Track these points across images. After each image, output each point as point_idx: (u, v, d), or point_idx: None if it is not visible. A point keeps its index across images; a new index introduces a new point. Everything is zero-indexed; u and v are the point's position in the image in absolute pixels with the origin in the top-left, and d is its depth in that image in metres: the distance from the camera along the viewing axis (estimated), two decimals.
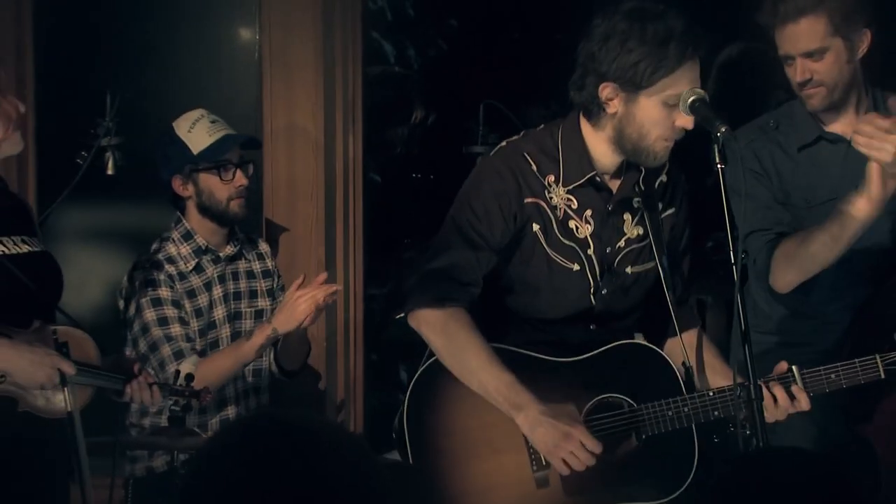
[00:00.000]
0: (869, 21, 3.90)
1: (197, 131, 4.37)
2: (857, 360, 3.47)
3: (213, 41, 4.90)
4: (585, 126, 3.47)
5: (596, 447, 3.32)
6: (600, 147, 3.47)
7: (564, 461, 3.34)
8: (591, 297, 3.51)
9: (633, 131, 3.40)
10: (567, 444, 3.31)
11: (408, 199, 6.31)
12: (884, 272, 4.04)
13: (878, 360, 3.48)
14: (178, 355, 4.25)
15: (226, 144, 4.36)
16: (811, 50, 3.86)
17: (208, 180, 4.37)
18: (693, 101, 3.34)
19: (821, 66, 3.88)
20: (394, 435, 3.55)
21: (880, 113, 3.91)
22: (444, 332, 3.43)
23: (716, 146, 3.27)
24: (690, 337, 3.60)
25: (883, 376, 3.46)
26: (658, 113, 3.36)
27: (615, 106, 3.40)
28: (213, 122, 4.39)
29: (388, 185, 6.67)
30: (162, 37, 4.86)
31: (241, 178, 4.38)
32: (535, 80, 5.60)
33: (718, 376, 3.54)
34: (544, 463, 3.43)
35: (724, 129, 3.26)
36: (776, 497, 2.03)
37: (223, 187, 4.37)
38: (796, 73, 3.91)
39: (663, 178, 3.59)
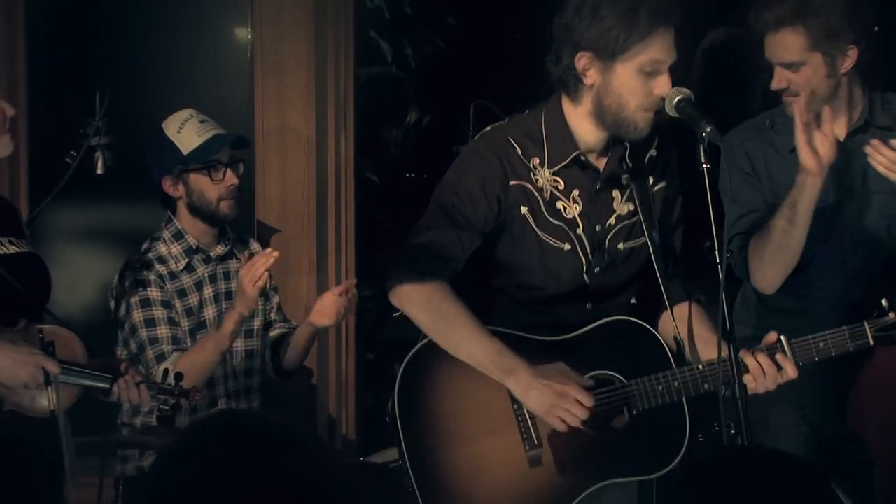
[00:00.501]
0: (856, 38, 3.85)
1: (186, 131, 4.36)
2: (845, 327, 3.46)
3: (205, 41, 4.91)
4: (567, 106, 3.48)
5: (589, 400, 3.33)
6: (583, 124, 3.47)
7: (562, 420, 3.35)
8: (585, 275, 3.52)
9: (611, 101, 3.40)
10: (562, 402, 3.33)
11: (403, 200, 6.30)
12: (879, 273, 4.03)
13: (867, 327, 3.46)
14: (160, 359, 4.25)
15: (215, 144, 4.36)
16: (788, 62, 3.86)
17: (198, 181, 4.37)
18: (679, 100, 3.35)
19: (797, 77, 3.87)
20: (387, 420, 3.55)
21: (875, 121, 3.97)
22: (428, 307, 3.44)
23: (701, 146, 3.26)
24: (682, 310, 3.60)
25: (872, 343, 3.45)
26: (634, 81, 3.36)
27: (592, 76, 3.40)
28: (202, 121, 4.39)
29: (385, 186, 6.67)
30: (154, 36, 4.86)
31: (231, 178, 4.38)
32: (534, 79, 5.59)
33: (710, 348, 3.48)
34: (536, 442, 3.45)
35: (709, 129, 3.27)
36: (746, 497, 2.03)
37: (213, 187, 4.37)
38: (774, 79, 3.91)
39: (653, 151, 3.58)
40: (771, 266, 3.89)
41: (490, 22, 6.47)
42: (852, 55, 3.86)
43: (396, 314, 3.61)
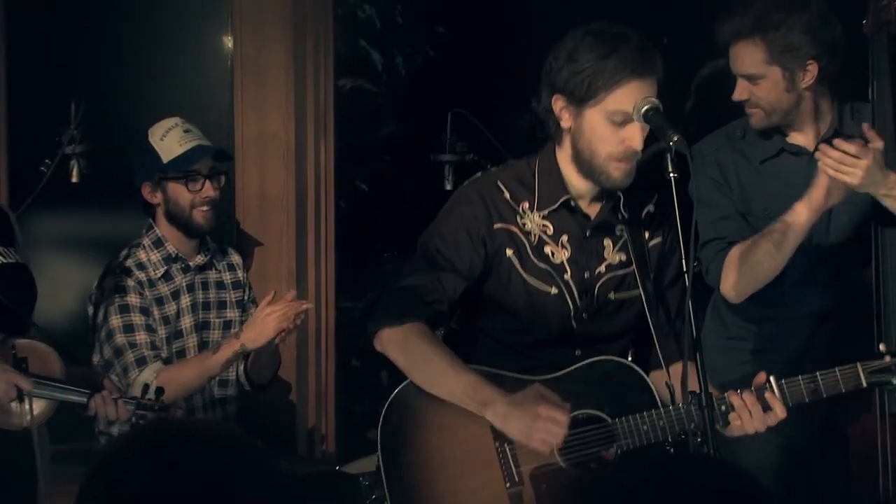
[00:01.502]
0: (817, 54, 3.84)
1: (168, 140, 4.37)
2: (836, 368, 3.40)
3: (185, 48, 4.90)
4: (559, 151, 3.49)
5: (562, 415, 3.29)
6: (569, 169, 3.47)
7: (544, 440, 3.31)
8: (572, 320, 3.50)
9: (583, 147, 3.40)
10: (539, 424, 3.28)
11: (392, 209, 6.30)
12: (849, 281, 4.03)
13: (860, 369, 3.41)
14: (141, 362, 4.25)
15: (196, 155, 4.36)
16: (747, 73, 3.88)
17: (176, 189, 4.38)
18: (647, 109, 3.32)
19: (758, 89, 3.89)
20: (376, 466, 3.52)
21: (844, 130, 3.97)
22: (405, 347, 3.42)
23: (668, 155, 3.24)
24: (676, 368, 3.50)
25: (865, 385, 3.40)
26: (603, 128, 3.35)
27: (567, 120, 3.40)
28: (186, 131, 4.40)
29: (375, 195, 6.67)
30: (133, 44, 4.86)
31: (208, 190, 4.38)
32: (524, 89, 5.58)
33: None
34: (517, 480, 3.40)
35: (676, 139, 3.24)
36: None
37: (188, 196, 4.37)
38: (736, 91, 3.93)
39: (651, 207, 3.57)
40: (746, 280, 3.88)
41: (480, 31, 6.47)
42: (812, 70, 3.86)
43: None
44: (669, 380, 3.46)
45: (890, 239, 3.95)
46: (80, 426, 4.17)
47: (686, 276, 3.21)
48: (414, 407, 3.44)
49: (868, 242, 4.01)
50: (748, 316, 4.08)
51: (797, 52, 3.83)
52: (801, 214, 3.74)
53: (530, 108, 3.49)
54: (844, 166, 3.65)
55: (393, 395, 3.47)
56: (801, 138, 4.02)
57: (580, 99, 3.35)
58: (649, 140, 3.39)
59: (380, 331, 3.44)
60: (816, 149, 3.95)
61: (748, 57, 3.85)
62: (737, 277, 3.89)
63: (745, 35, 3.83)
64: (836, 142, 3.71)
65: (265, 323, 4.16)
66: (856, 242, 4.03)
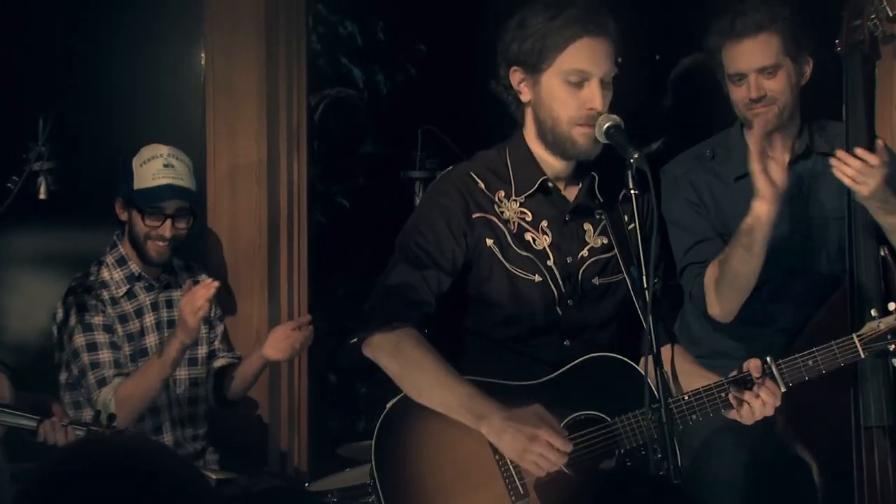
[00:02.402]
0: (812, 50, 3.98)
1: (146, 169, 4.37)
2: (833, 342, 3.38)
3: (157, 66, 4.87)
4: (526, 133, 3.44)
5: (564, 445, 3.23)
6: (539, 149, 3.42)
7: (536, 464, 3.26)
8: (557, 307, 3.44)
9: (545, 117, 3.36)
10: (534, 446, 3.22)
11: (371, 226, 6.30)
12: (819, 297, 4.03)
13: (856, 341, 3.39)
14: (101, 383, 4.24)
15: (163, 194, 4.35)
16: (767, 65, 3.92)
17: (136, 218, 4.39)
18: (608, 126, 3.30)
19: (774, 83, 3.94)
20: (369, 482, 3.47)
21: (816, 149, 4.04)
22: (397, 355, 3.36)
23: (629, 172, 3.21)
24: (666, 351, 3.47)
25: (863, 356, 3.39)
26: (560, 91, 3.32)
27: (526, 93, 3.38)
28: (166, 165, 4.38)
29: (355, 211, 6.66)
30: (104, 60, 4.83)
31: (165, 229, 4.36)
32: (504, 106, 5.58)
33: (696, 380, 3.43)
34: (522, 492, 3.33)
35: (636, 156, 3.21)
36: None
37: (145, 229, 4.37)
38: (750, 89, 3.95)
39: (625, 191, 3.48)
40: (728, 294, 3.90)
41: (461, 49, 6.46)
42: (809, 67, 3.97)
43: (353, 340, 3.55)
44: (662, 367, 3.40)
45: (863, 255, 3.94)
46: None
47: (647, 292, 3.19)
48: (408, 423, 3.38)
49: (839, 265, 4.02)
50: (718, 332, 4.08)
51: (804, 46, 3.95)
52: (760, 209, 3.76)
53: (490, 90, 3.46)
54: (861, 176, 3.71)
55: (385, 411, 3.40)
56: (775, 156, 4.01)
57: (534, 66, 3.32)
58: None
59: (370, 336, 3.39)
60: (790, 166, 3.98)
61: (767, 49, 3.92)
62: (720, 296, 3.89)
63: (766, 26, 3.90)
64: (859, 151, 3.74)
65: (183, 314, 4.13)
66: (826, 260, 4.05)
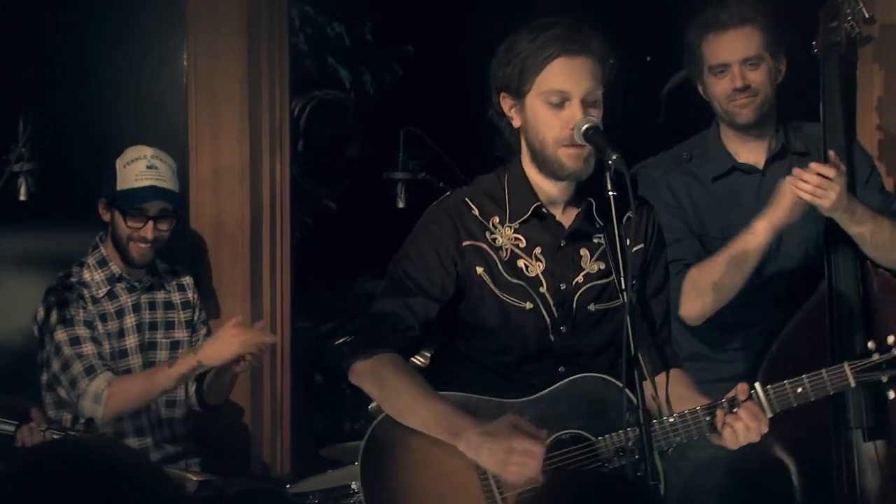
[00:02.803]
0: (787, 49, 4.00)
1: (129, 169, 4.36)
2: (824, 370, 3.32)
3: (139, 67, 4.87)
4: (522, 158, 3.42)
5: (537, 447, 3.20)
6: (534, 173, 3.40)
7: (520, 473, 3.22)
8: (550, 335, 3.41)
9: (534, 140, 3.33)
10: (512, 457, 3.20)
11: (358, 227, 6.29)
12: (797, 298, 4.04)
13: (847, 369, 3.32)
14: (90, 370, 4.22)
15: (147, 195, 4.34)
16: (751, 56, 3.95)
17: (118, 218, 4.38)
18: (587, 128, 3.27)
19: (757, 75, 3.96)
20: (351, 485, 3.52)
21: (791, 148, 4.04)
22: (376, 379, 3.36)
23: (608, 173, 3.20)
24: (661, 379, 3.47)
25: (853, 385, 3.33)
26: (543, 113, 3.29)
27: (516, 118, 3.36)
28: (149, 167, 4.37)
29: (343, 212, 6.65)
30: (86, 61, 4.83)
31: (148, 231, 4.35)
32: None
33: (687, 404, 3.38)
34: None
35: (615, 157, 3.20)
36: None
37: (127, 230, 4.37)
38: (735, 79, 3.96)
39: (630, 213, 3.42)
40: (706, 300, 3.90)
41: (448, 50, 6.45)
42: (784, 66, 4.00)
43: (339, 341, 3.54)
44: (654, 392, 3.39)
45: (842, 260, 3.95)
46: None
47: (623, 294, 3.17)
48: (392, 441, 3.37)
49: (817, 263, 4.03)
50: (699, 334, 4.07)
51: (780, 40, 3.98)
52: (761, 234, 3.80)
53: (488, 118, 3.45)
54: (820, 190, 3.72)
55: (370, 430, 3.40)
56: (751, 157, 4.06)
57: (518, 90, 3.31)
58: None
59: (352, 364, 3.39)
60: (767, 166, 4.00)
61: (750, 40, 3.95)
62: (697, 300, 3.89)
63: (750, 19, 3.94)
64: (814, 165, 3.75)
65: (229, 342, 4.15)
66: (804, 259, 4.06)
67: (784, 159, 4.05)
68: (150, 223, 4.34)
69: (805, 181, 3.74)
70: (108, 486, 1.97)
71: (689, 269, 3.93)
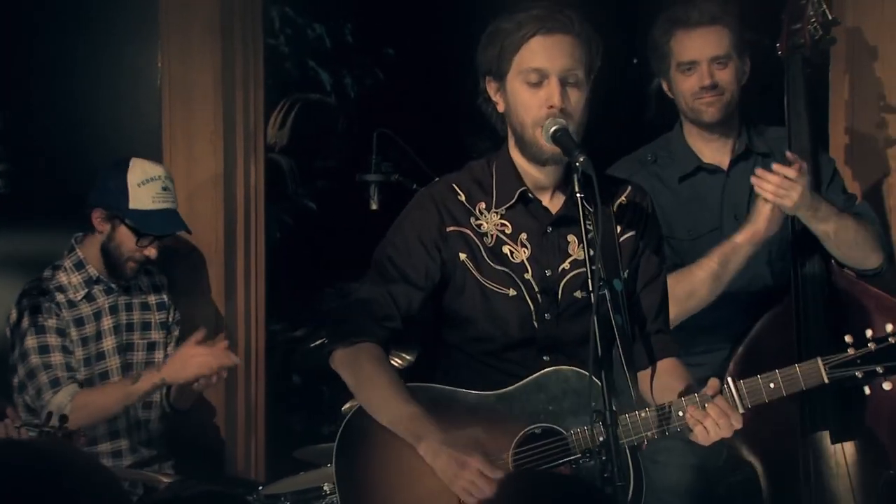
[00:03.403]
0: (752, 52, 4.04)
1: (145, 190, 4.35)
2: (797, 365, 3.29)
3: (113, 68, 4.86)
4: (509, 143, 3.39)
5: (494, 474, 3.17)
6: (520, 158, 3.37)
7: (467, 490, 3.22)
8: (534, 322, 3.38)
9: (516, 123, 3.30)
10: (465, 473, 3.18)
11: (338, 229, 6.29)
12: (763, 302, 4.05)
13: (820, 364, 3.27)
14: (55, 384, 4.23)
15: (165, 220, 4.38)
16: (720, 55, 3.98)
17: (124, 235, 4.37)
18: (554, 130, 3.25)
19: (725, 74, 3.99)
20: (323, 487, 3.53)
21: (755, 150, 4.07)
22: (353, 370, 3.36)
23: (575, 175, 3.20)
24: (645, 374, 3.40)
25: (826, 381, 3.27)
26: (522, 93, 3.27)
27: (501, 102, 3.33)
28: (164, 188, 4.39)
29: (324, 214, 6.65)
30: (59, 62, 4.82)
31: (151, 250, 4.38)
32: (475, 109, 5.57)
33: (669, 396, 3.32)
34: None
35: (582, 160, 3.18)
36: None
37: (133, 249, 4.37)
38: (703, 77, 3.98)
39: (622, 200, 3.43)
40: (680, 308, 3.87)
41: (430, 52, 6.46)
42: (748, 67, 4.03)
43: (315, 344, 3.56)
44: (632, 385, 3.33)
45: (808, 262, 3.96)
46: None
47: (592, 296, 3.15)
48: (368, 431, 3.36)
49: (781, 267, 4.04)
50: None
51: (744, 42, 4.02)
52: (743, 246, 3.85)
53: (477, 105, 3.41)
54: (782, 190, 3.75)
55: (346, 420, 3.41)
56: (716, 157, 4.07)
57: (498, 71, 3.29)
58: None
59: (332, 351, 3.39)
60: (731, 167, 4.02)
61: (720, 39, 3.98)
62: (673, 307, 3.86)
63: (719, 18, 3.97)
64: (776, 166, 3.77)
65: (188, 362, 4.18)
66: (768, 262, 4.07)
67: (748, 160, 4.06)
68: (156, 242, 4.38)
69: (768, 181, 3.78)
70: (56, 490, 1.97)
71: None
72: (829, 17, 3.87)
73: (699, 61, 3.97)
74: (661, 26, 4.05)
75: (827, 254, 3.96)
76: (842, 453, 3.95)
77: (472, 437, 3.24)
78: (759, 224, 3.83)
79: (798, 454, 3.95)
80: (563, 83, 3.24)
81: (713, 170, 4.08)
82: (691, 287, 3.87)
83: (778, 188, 3.76)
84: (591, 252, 3.22)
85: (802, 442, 3.94)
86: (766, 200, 3.82)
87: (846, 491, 3.95)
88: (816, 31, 3.88)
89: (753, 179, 3.81)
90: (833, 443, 3.94)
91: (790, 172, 3.76)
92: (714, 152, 4.06)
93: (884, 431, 3.94)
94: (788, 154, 3.84)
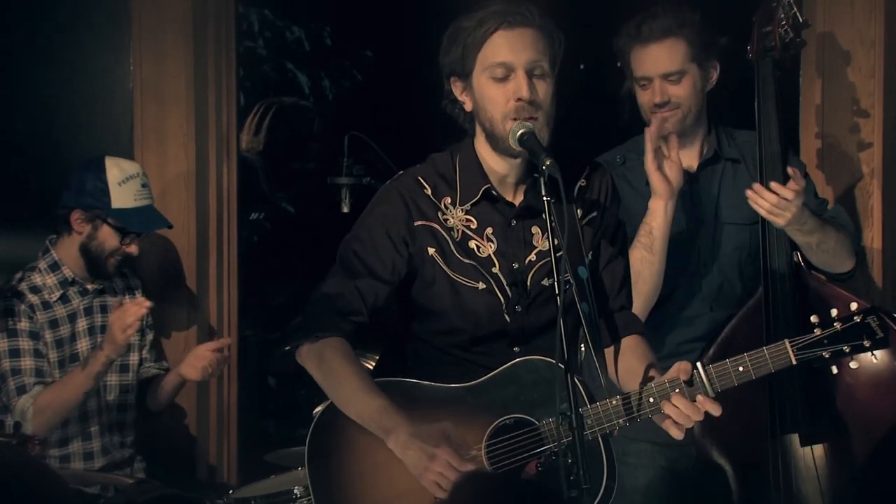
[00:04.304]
0: (719, 55, 4.02)
1: (126, 189, 4.37)
2: (764, 347, 3.26)
3: (85, 72, 4.84)
4: (476, 140, 3.40)
5: (462, 466, 3.18)
6: (487, 154, 3.37)
7: (437, 483, 3.22)
8: (505, 315, 3.39)
9: (484, 119, 3.31)
10: (434, 465, 3.18)
11: (313, 233, 6.29)
12: (733, 306, 4.05)
13: (788, 346, 3.25)
14: (21, 390, 4.23)
15: (150, 219, 4.43)
16: (671, 71, 3.96)
17: (107, 234, 4.38)
18: (521, 133, 3.26)
19: (678, 89, 3.98)
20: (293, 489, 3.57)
21: (724, 154, 4.07)
22: (320, 365, 3.36)
23: (541, 178, 3.19)
24: (610, 352, 3.42)
25: (794, 362, 3.24)
26: (489, 89, 3.28)
27: (467, 101, 3.35)
28: (143, 185, 4.42)
29: (302, 216, 6.64)
30: (31, 66, 4.80)
31: (133, 247, 4.40)
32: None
33: (636, 379, 3.33)
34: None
35: (548, 163, 3.18)
36: None
37: (116, 246, 4.38)
38: (655, 94, 3.98)
39: (582, 182, 3.45)
40: (636, 299, 3.88)
41: (408, 54, 6.45)
42: (716, 71, 4.01)
43: (287, 348, 3.54)
44: (601, 372, 3.34)
45: (777, 264, 3.96)
46: None
47: (558, 298, 3.14)
48: (339, 427, 3.36)
49: (751, 271, 4.04)
50: None
51: (710, 49, 3.99)
52: (657, 209, 3.86)
53: (441, 107, 3.42)
54: (778, 209, 3.76)
55: (315, 420, 3.40)
56: (684, 161, 4.07)
57: (464, 71, 3.30)
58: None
59: (299, 346, 3.39)
60: (699, 170, 4.02)
61: (673, 54, 3.96)
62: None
63: (673, 32, 3.95)
64: (774, 186, 3.76)
65: (111, 331, 4.19)
66: (738, 264, 4.08)
67: (717, 164, 4.06)
68: (137, 239, 4.40)
69: (764, 200, 3.77)
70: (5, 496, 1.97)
71: None
72: (800, 20, 3.86)
73: (652, 77, 3.98)
74: (621, 38, 4.05)
75: (795, 255, 3.97)
76: (811, 456, 3.95)
77: (442, 429, 3.23)
78: (657, 183, 3.86)
79: (768, 457, 3.94)
80: (530, 75, 3.26)
81: None
82: (635, 270, 3.80)
83: (774, 207, 3.76)
84: (557, 247, 3.22)
85: (772, 444, 3.94)
86: (652, 154, 3.87)
87: (815, 493, 3.95)
88: (787, 33, 3.87)
89: (749, 193, 3.80)
90: (802, 445, 3.94)
91: (788, 194, 3.75)
92: (682, 156, 4.06)
93: (853, 434, 3.94)
94: (790, 170, 3.83)
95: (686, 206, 4.01)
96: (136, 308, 4.16)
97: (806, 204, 3.91)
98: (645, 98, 4.02)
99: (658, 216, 3.85)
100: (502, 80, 3.26)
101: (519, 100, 3.24)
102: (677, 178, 3.85)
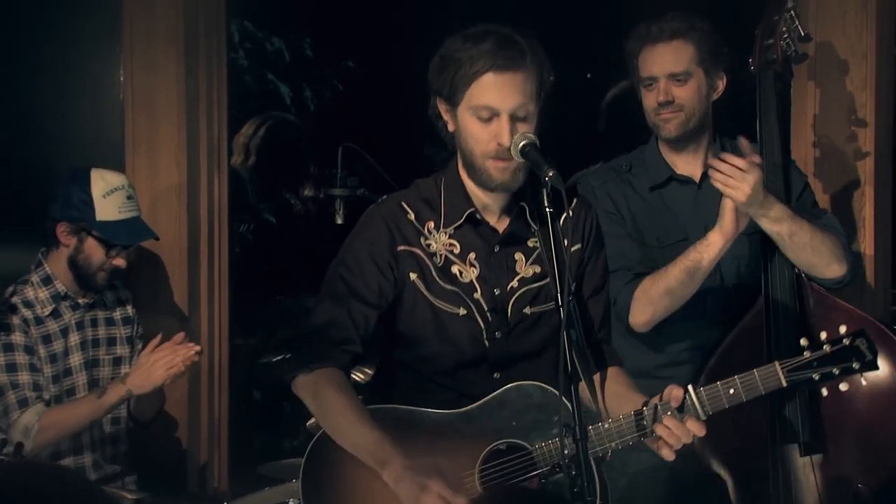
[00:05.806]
0: (727, 66, 4.04)
1: (111, 200, 4.32)
2: (755, 370, 3.31)
3: (76, 83, 4.82)
4: (459, 162, 3.42)
5: (455, 499, 3.17)
6: (468, 179, 3.40)
7: None
8: (485, 340, 3.41)
9: (465, 148, 3.34)
10: (426, 496, 3.18)
11: (296, 243, 6.27)
12: (733, 315, 4.06)
13: (778, 368, 3.30)
14: (23, 403, 4.18)
15: (133, 229, 4.36)
16: (677, 72, 3.99)
17: (93, 247, 4.34)
18: (523, 145, 3.27)
19: (683, 91, 4.00)
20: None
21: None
22: (315, 395, 3.36)
23: (544, 190, 3.20)
24: (596, 378, 3.46)
25: (785, 384, 3.30)
26: (472, 126, 3.30)
27: (451, 123, 3.36)
28: (129, 197, 4.37)
29: (283, 227, 6.63)
30: (22, 77, 4.78)
31: (120, 260, 4.35)
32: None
33: (625, 405, 3.36)
34: None
35: (551, 174, 3.19)
36: None
37: (103, 259, 4.34)
38: (659, 93, 4.01)
39: (568, 213, 3.41)
40: (655, 308, 3.94)
41: (389, 65, 6.46)
42: (723, 82, 4.04)
43: (265, 360, 3.53)
44: (593, 392, 3.39)
45: (778, 275, 3.98)
46: None
47: (561, 310, 3.15)
48: (333, 456, 3.35)
49: (750, 280, 4.05)
50: (637, 347, 4.08)
51: (718, 58, 4.01)
52: (715, 243, 3.84)
53: (427, 118, 3.43)
54: (733, 180, 3.75)
55: (311, 445, 3.40)
56: (688, 168, 4.11)
57: (451, 99, 3.31)
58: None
59: (294, 377, 3.39)
60: (703, 178, 4.04)
61: (680, 55, 3.99)
62: (648, 308, 3.92)
63: (681, 34, 3.98)
64: (725, 156, 3.79)
65: (152, 369, 4.14)
66: (737, 274, 4.10)
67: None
68: (123, 252, 4.36)
69: (717, 169, 3.78)
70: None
71: (639, 277, 3.97)
72: (802, 33, 3.89)
73: (658, 77, 4.01)
74: (630, 42, 4.09)
75: (798, 268, 3.99)
76: (811, 466, 3.96)
77: (435, 461, 3.23)
78: (727, 219, 3.82)
79: (768, 467, 3.96)
80: (513, 119, 3.28)
81: (685, 181, 4.12)
82: (667, 285, 3.88)
83: (728, 178, 3.75)
84: (556, 266, 3.25)
85: (772, 455, 3.95)
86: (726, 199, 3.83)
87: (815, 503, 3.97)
88: (789, 46, 3.90)
89: (709, 162, 3.84)
90: (802, 456, 3.95)
91: (740, 163, 3.75)
92: (686, 164, 4.10)
93: (853, 445, 3.96)
94: (742, 142, 3.85)
95: (688, 212, 4.03)
96: (186, 351, 4.13)
97: (798, 208, 3.93)
98: (649, 100, 4.05)
99: (713, 250, 3.85)
100: (486, 121, 3.28)
101: (499, 144, 3.27)
102: (745, 224, 3.86)
